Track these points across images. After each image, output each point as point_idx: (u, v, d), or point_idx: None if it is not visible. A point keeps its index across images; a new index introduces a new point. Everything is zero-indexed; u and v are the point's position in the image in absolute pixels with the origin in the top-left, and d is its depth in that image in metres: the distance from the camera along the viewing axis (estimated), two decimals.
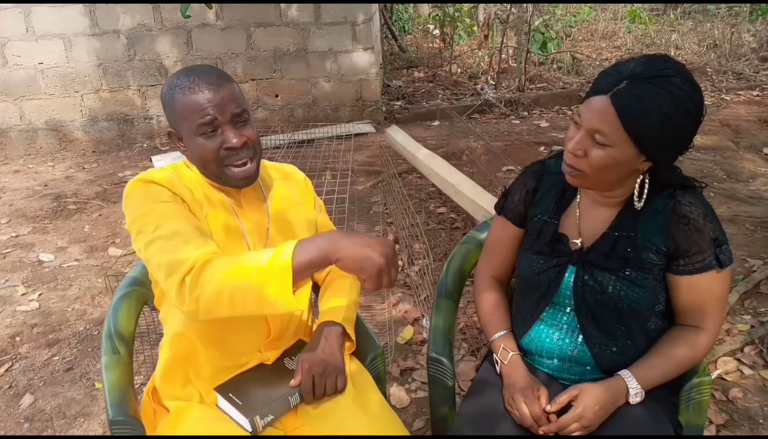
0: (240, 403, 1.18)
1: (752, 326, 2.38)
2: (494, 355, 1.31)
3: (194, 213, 1.20)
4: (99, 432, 2.07)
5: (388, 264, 1.02)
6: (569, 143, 1.14)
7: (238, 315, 1.05)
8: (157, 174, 1.21)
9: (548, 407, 1.17)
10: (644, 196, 1.17)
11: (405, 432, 1.22)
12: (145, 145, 5.51)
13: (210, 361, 1.25)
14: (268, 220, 1.32)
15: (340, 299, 1.39)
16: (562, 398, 1.17)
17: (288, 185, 1.41)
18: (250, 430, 1.16)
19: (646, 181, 1.16)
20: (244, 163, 1.21)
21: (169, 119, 1.24)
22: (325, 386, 1.23)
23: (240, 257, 1.06)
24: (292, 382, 1.23)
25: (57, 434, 2.08)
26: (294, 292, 1.01)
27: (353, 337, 1.37)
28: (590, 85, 1.14)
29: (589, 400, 1.14)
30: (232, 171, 1.21)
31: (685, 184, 1.17)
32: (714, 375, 2.12)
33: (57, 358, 2.50)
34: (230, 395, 1.22)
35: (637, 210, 1.18)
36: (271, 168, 1.42)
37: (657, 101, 1.05)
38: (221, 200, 1.26)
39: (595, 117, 1.08)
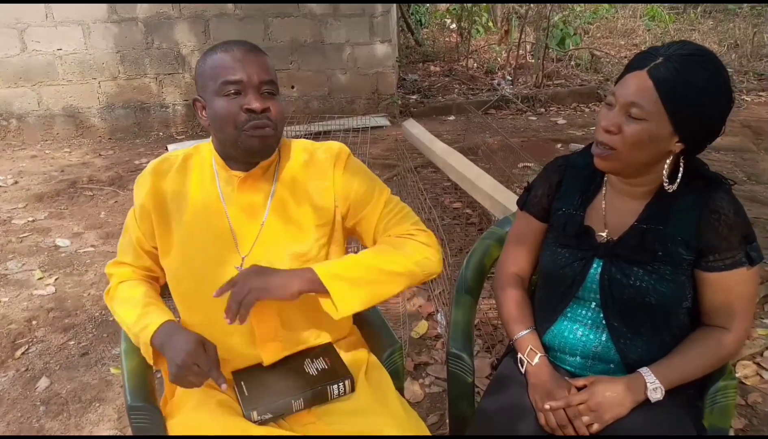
0: (246, 394, 1.20)
1: None
2: (519, 354, 1.29)
3: (162, 212, 1.25)
4: (114, 417, 2.08)
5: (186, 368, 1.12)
6: (602, 121, 1.13)
7: None
8: (151, 169, 1.28)
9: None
10: (678, 179, 1.15)
11: (426, 432, 1.20)
12: (161, 134, 5.53)
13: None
14: (268, 202, 1.25)
15: (355, 256, 1.22)
16: (579, 381, 1.19)
17: (310, 166, 1.28)
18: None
19: (681, 164, 1.16)
20: (263, 126, 1.16)
21: (197, 85, 1.22)
22: (240, 304, 1.09)
23: (129, 306, 1.26)
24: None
25: (73, 417, 2.09)
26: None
27: (329, 289, 1.14)
28: (609, 81, 1.14)
29: (600, 386, 1.15)
30: (247, 134, 1.15)
31: (715, 178, 1.17)
32: None
33: (73, 342, 2.52)
34: (242, 383, 1.23)
35: (668, 199, 1.16)
36: (300, 149, 1.31)
37: (695, 75, 1.06)
38: (214, 180, 1.26)
39: (631, 90, 1.09)
